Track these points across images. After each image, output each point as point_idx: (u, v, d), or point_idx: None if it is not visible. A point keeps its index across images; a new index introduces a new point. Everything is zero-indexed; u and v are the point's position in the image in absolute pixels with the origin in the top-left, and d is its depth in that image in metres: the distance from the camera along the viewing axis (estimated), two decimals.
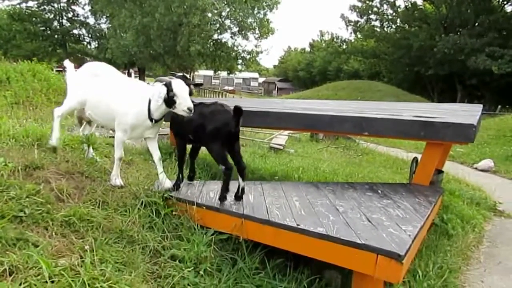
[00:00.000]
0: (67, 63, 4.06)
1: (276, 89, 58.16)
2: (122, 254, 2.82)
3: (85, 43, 51.42)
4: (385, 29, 35.55)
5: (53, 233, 2.80)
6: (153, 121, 3.44)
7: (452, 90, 31.30)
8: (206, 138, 3.36)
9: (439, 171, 5.12)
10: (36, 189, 3.09)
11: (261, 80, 66.51)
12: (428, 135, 3.67)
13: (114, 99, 3.52)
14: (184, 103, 3.18)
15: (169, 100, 3.21)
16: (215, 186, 3.79)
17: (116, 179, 3.64)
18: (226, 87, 52.07)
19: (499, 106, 23.74)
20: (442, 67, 29.03)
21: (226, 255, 3.15)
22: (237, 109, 3.16)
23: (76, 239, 2.82)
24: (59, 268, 2.39)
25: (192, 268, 2.90)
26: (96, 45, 49.54)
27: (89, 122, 4.05)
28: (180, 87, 3.21)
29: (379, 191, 3.77)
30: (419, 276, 3.51)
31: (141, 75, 53.91)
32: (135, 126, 3.49)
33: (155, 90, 3.24)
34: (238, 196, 3.43)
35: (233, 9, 34.33)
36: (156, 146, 3.66)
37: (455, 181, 7.79)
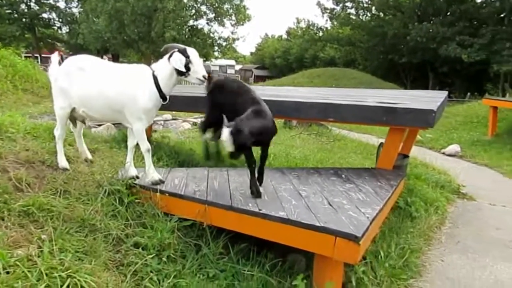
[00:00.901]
0: (54, 56, 3.66)
1: (253, 76, 57.99)
2: (83, 243, 2.80)
3: (55, 27, 49.80)
4: (360, 16, 35.82)
5: (10, 224, 2.75)
6: (165, 99, 3.30)
7: (424, 78, 31.97)
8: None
9: (405, 156, 5.24)
10: None
11: (238, 67, 66.10)
12: (391, 120, 3.75)
13: (113, 88, 3.29)
14: (200, 70, 3.12)
15: (184, 67, 3.11)
16: (180, 173, 3.79)
17: (154, 174, 3.46)
18: None
19: (469, 94, 24.39)
20: (415, 55, 29.60)
21: (190, 241, 3.17)
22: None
23: (34, 229, 2.78)
24: (14, 258, 2.35)
25: (155, 255, 2.90)
26: (67, 30, 48.06)
27: (83, 120, 3.74)
28: (194, 54, 3.16)
29: (343, 176, 3.84)
30: (381, 257, 3.61)
31: (115, 61, 52.75)
32: (149, 109, 3.29)
33: (175, 58, 3.12)
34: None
35: None
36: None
37: (423, 165, 7.98)
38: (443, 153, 10.61)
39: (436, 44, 27.34)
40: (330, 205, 3.01)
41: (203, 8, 35.56)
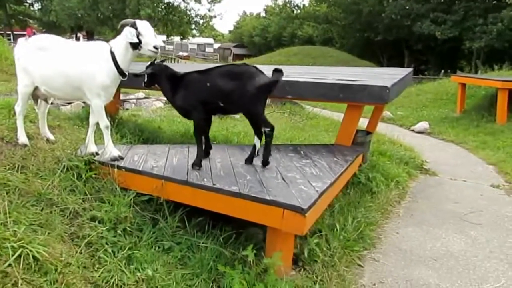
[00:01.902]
0: (22, 40, 3.66)
1: (232, 55, 57.47)
2: (39, 216, 2.84)
3: (27, 4, 48.16)
4: None
5: None
6: (124, 75, 3.32)
7: (400, 56, 32.25)
8: (246, 101, 3.18)
9: (368, 133, 5.38)
10: None
11: (216, 46, 65.33)
12: (346, 97, 3.85)
13: (73, 66, 3.31)
14: (150, 41, 3.12)
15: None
16: (141, 150, 3.83)
17: (113, 150, 3.50)
18: (180, 53, 50.82)
19: (442, 71, 24.69)
20: (390, 32, 29.76)
21: (148, 215, 3.24)
22: (278, 70, 3.15)
23: None
24: None
25: (111, 228, 2.97)
26: (40, 7, 46.54)
27: (46, 99, 3.77)
28: (144, 26, 3.17)
29: (301, 152, 3.95)
30: (336, 230, 3.76)
31: (90, 39, 51.53)
32: (107, 85, 3.32)
33: (125, 32, 3.15)
34: (252, 159, 3.52)
35: None
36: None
37: (390, 142, 8.17)
38: (413, 130, 10.84)
39: (411, 21, 27.47)
40: (283, 179, 3.12)
41: None
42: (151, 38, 3.13)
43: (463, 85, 12.35)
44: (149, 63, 3.40)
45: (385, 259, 3.71)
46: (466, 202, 5.32)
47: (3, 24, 48.65)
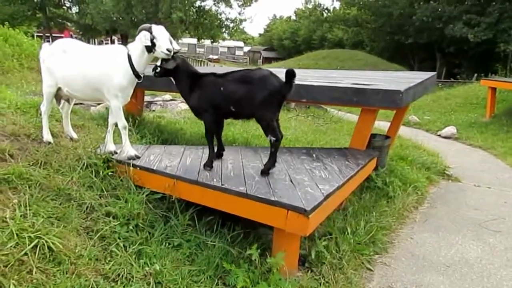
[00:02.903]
0: (46, 44, 3.90)
1: (262, 58, 57.66)
2: (57, 209, 3.01)
3: (65, 7, 50.03)
4: None
5: None
6: (139, 77, 3.47)
7: (431, 59, 31.35)
8: (255, 106, 3.15)
9: (387, 137, 5.35)
10: None
11: (246, 49, 65.70)
12: (360, 101, 3.85)
13: (91, 68, 3.49)
14: (163, 44, 3.23)
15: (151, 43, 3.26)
16: (157, 150, 3.96)
17: (130, 150, 3.66)
18: (210, 56, 51.44)
19: (475, 74, 23.93)
20: (421, 35, 28.94)
21: (160, 213, 3.36)
22: (290, 73, 3.05)
23: (12, 195, 2.99)
24: None
25: (124, 223, 3.10)
26: (77, 10, 48.27)
27: (68, 100, 3.98)
28: (159, 30, 3.30)
29: (314, 155, 3.99)
30: (347, 233, 3.77)
31: (124, 42, 52.94)
32: (124, 87, 3.47)
33: (140, 36, 3.30)
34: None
35: None
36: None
37: (414, 147, 8.04)
38: (439, 135, 10.61)
39: (442, 23, 26.63)
40: (291, 181, 3.17)
41: None
42: (165, 41, 3.25)
43: (493, 89, 11.96)
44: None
45: (396, 264, 3.69)
46: (487, 209, 5.19)
47: (43, 27, 50.78)
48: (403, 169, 5.70)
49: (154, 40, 3.24)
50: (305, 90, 3.97)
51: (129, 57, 3.41)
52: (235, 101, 3.23)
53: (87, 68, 3.51)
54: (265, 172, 3.34)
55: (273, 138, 3.19)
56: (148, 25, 3.38)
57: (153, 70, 3.41)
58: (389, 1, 32.42)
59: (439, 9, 27.06)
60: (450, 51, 28.65)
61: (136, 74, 3.43)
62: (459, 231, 4.45)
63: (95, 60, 3.52)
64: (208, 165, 3.44)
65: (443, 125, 11.26)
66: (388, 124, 5.97)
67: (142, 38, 3.26)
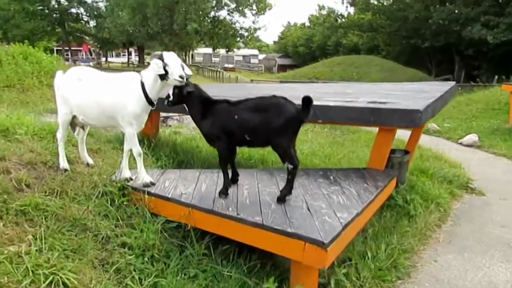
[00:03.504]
0: (60, 72, 3.91)
1: (276, 65, 57.73)
2: (72, 241, 2.99)
3: (83, 22, 51.28)
4: (380, 1, 34.75)
5: (8, 222, 2.96)
6: (153, 104, 3.46)
7: (449, 61, 30.77)
8: (271, 134, 3.12)
9: (406, 152, 5.22)
10: None
11: (261, 56, 65.92)
12: (377, 120, 3.76)
13: (106, 96, 3.50)
14: (175, 71, 3.22)
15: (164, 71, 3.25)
16: (172, 175, 3.93)
17: (145, 177, 3.64)
18: (226, 65, 51.79)
19: (496, 77, 23.35)
20: (438, 38, 28.41)
21: (176, 242, 3.32)
22: (307, 99, 3.00)
23: (29, 228, 2.99)
24: (4, 255, 2.56)
25: (140, 254, 3.06)
26: (95, 24, 49.43)
27: (83, 127, 4.01)
28: (170, 57, 3.29)
29: (331, 177, 3.90)
30: (367, 258, 3.65)
31: (141, 54, 53.91)
32: (138, 114, 3.46)
33: (152, 64, 3.29)
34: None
35: None
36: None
37: (434, 158, 7.85)
38: (460, 144, 10.33)
39: (460, 26, 26.09)
40: (308, 209, 3.09)
41: None
42: (177, 68, 3.23)
43: None
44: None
45: None
46: None
47: (62, 41, 52.17)
48: (424, 184, 5.54)
49: (167, 68, 3.22)
50: (321, 111, 3.89)
51: (143, 84, 3.40)
52: (250, 129, 3.18)
53: (102, 96, 3.51)
54: (281, 199, 3.26)
55: (290, 166, 3.13)
56: (159, 52, 3.37)
57: (166, 99, 3.39)
58: (404, 5, 32.07)
59: (456, 11, 26.59)
60: (468, 53, 28.06)
61: (149, 101, 3.42)
62: (486, 252, 4.27)
63: (109, 88, 3.52)
64: (224, 193, 3.39)
65: (464, 133, 10.98)
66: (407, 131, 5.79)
67: (155, 67, 3.24)
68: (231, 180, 3.60)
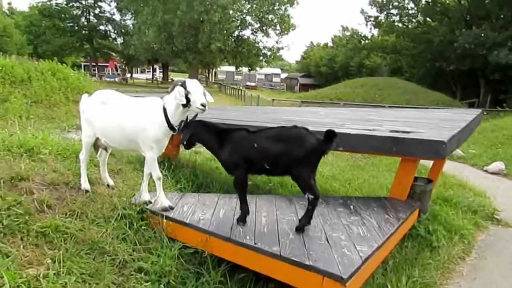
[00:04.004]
0: (85, 95, 3.99)
1: (299, 85, 57.85)
2: (90, 265, 3.00)
3: (111, 39, 52.80)
4: (405, 24, 34.62)
5: (28, 244, 3.00)
6: (174, 129, 3.48)
7: (475, 85, 30.23)
8: (292, 165, 3.11)
9: (429, 181, 5.10)
10: (17, 201, 3.31)
11: (283, 75, 66.25)
12: (400, 150, 3.68)
13: (128, 120, 3.55)
14: (198, 99, 3.24)
15: (186, 98, 3.27)
16: (191, 199, 3.93)
17: (164, 201, 3.67)
18: (248, 83, 52.24)
19: None
20: (463, 62, 27.98)
21: (192, 269, 3.29)
22: (331, 133, 3.02)
23: (48, 250, 3.01)
24: (23, 279, 2.58)
25: (156, 280, 3.05)
26: (122, 41, 50.80)
27: (105, 148, 4.07)
28: (193, 85, 3.32)
29: (351, 207, 3.82)
30: None
31: (165, 71, 55.00)
32: (159, 139, 3.50)
33: (175, 92, 3.32)
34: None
35: (254, 6, 34.49)
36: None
37: (458, 186, 7.65)
38: (486, 171, 10.06)
39: (486, 50, 25.71)
40: (327, 240, 3.03)
41: (248, 18, 36.22)
42: (199, 96, 3.25)
43: None
44: (182, 124, 3.45)
45: None
46: None
47: (89, 57, 53.81)
48: (448, 214, 5.37)
49: (189, 95, 3.24)
50: (342, 139, 3.83)
51: (165, 110, 3.43)
52: (269, 158, 3.15)
53: (124, 120, 3.57)
54: (300, 229, 3.22)
55: (311, 196, 3.09)
56: (182, 79, 3.40)
57: (181, 143, 3.44)
58: (429, 28, 31.88)
59: (482, 36, 26.22)
60: (495, 77, 27.56)
61: (171, 126, 3.44)
62: None
63: (132, 112, 3.57)
64: (242, 220, 3.36)
65: (490, 160, 10.69)
66: None
67: (177, 95, 3.26)
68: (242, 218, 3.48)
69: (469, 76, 30.61)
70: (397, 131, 3.99)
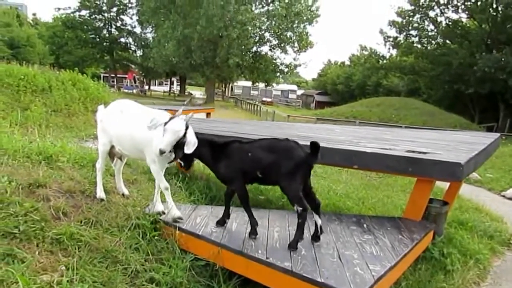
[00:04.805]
0: (101, 106, 4.07)
1: (315, 102, 57.90)
2: (102, 274, 3.02)
3: (131, 51, 53.82)
4: (424, 45, 34.51)
5: (43, 250, 3.04)
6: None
7: (494, 109, 29.83)
8: (280, 176, 3.14)
9: (445, 203, 5.03)
10: (34, 207, 3.36)
11: (299, 92, 66.42)
12: (416, 171, 3.66)
13: (138, 130, 3.60)
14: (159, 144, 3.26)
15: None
16: (205, 211, 3.94)
17: (175, 212, 3.67)
18: (264, 99, 52.51)
19: None
20: (483, 85, 27.63)
21: (203, 281, 3.29)
22: (315, 145, 3.06)
23: (62, 257, 3.05)
24: (37, 285, 2.62)
25: None
26: (141, 53, 51.72)
27: (120, 157, 4.14)
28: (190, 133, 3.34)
29: (364, 225, 3.79)
30: None
31: (182, 84, 55.71)
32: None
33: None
34: (317, 236, 3.37)
35: (273, 23, 34.84)
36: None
37: (474, 210, 7.52)
38: (503, 196, 9.88)
39: (506, 74, 25.36)
40: (339, 258, 3.01)
41: (267, 35, 36.55)
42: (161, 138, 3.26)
43: None
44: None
45: None
46: None
47: (109, 68, 54.88)
48: (463, 238, 5.28)
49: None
50: (357, 157, 3.85)
51: None
52: (262, 167, 3.22)
53: (135, 129, 3.63)
54: (293, 246, 3.16)
55: (299, 208, 3.07)
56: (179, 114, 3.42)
57: (181, 165, 3.48)
58: (448, 50, 31.68)
59: (503, 60, 25.94)
60: None
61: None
62: None
63: (142, 123, 3.60)
64: (253, 233, 3.36)
65: (508, 185, 10.49)
66: None
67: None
68: (221, 222, 3.63)
69: (488, 100, 30.22)
70: (413, 151, 3.96)
